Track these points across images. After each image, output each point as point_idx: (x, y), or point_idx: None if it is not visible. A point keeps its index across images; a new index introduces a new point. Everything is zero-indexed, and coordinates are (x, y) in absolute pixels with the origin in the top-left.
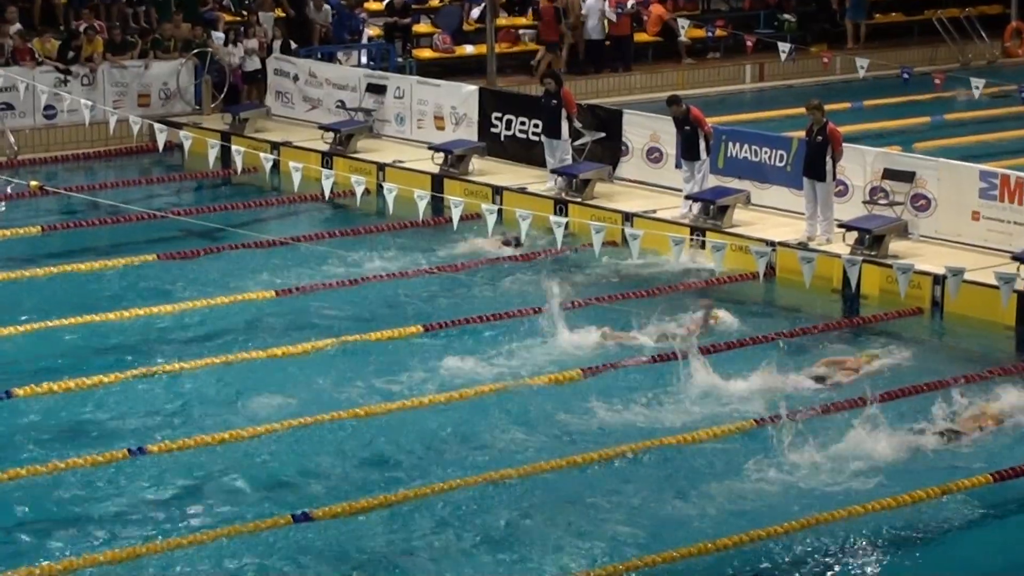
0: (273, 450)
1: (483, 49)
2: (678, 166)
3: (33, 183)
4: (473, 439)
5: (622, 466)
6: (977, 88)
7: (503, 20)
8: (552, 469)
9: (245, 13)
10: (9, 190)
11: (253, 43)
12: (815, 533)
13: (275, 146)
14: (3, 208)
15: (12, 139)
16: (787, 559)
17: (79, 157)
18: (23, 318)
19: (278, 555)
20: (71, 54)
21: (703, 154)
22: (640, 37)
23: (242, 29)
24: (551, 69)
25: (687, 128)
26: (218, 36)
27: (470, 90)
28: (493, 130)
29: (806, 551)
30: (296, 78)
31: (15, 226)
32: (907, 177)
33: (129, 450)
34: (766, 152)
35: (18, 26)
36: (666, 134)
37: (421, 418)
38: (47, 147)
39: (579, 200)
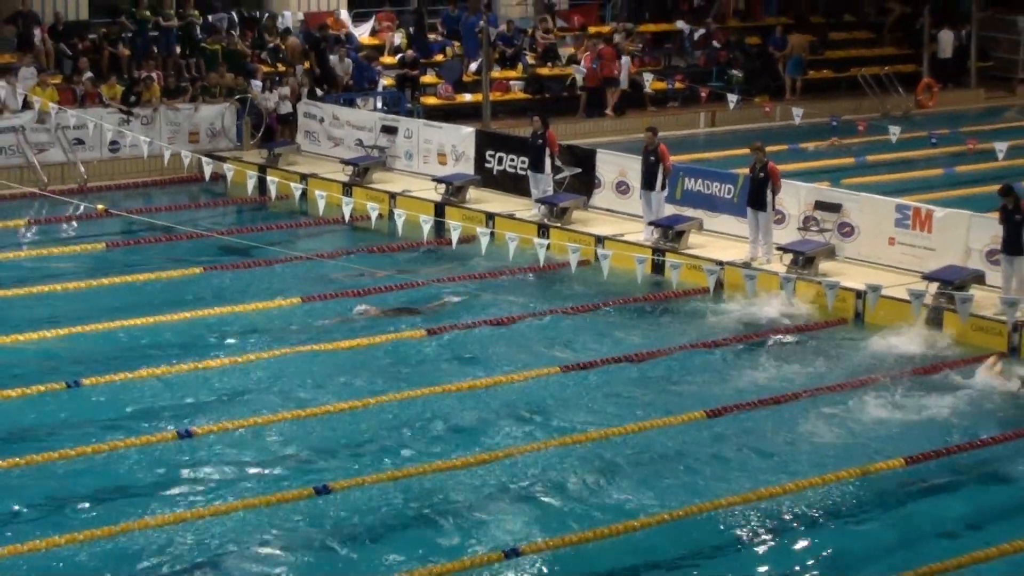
0: (296, 432)
1: (479, 97)
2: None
3: (99, 207)
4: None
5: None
6: (894, 134)
7: (496, 73)
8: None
9: (279, 65)
10: (80, 212)
11: (286, 90)
12: None
13: (304, 177)
14: (75, 227)
15: (83, 169)
16: None
17: (138, 185)
18: (90, 320)
19: (303, 524)
20: (133, 98)
21: (658, 185)
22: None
23: (277, 79)
24: (541, 112)
25: (652, 159)
26: (256, 84)
27: (468, 131)
28: (487, 165)
29: None
30: (322, 120)
31: (84, 243)
32: (835, 208)
33: (178, 432)
34: (716, 186)
35: (89, 74)
36: (632, 171)
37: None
38: (111, 176)
39: (559, 225)
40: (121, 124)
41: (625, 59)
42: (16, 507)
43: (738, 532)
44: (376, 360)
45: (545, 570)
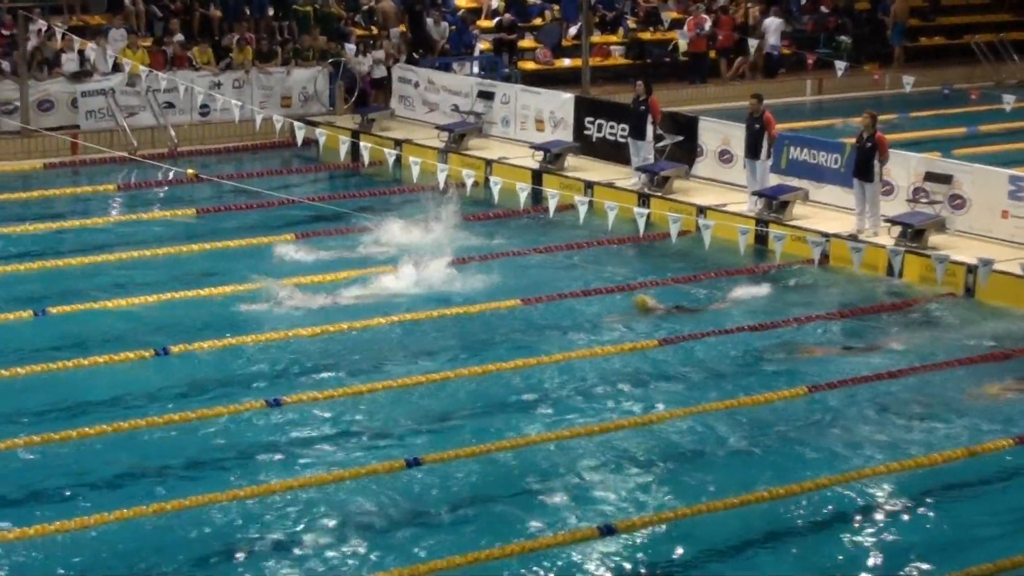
0: (387, 403)
1: (579, 62)
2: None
3: (190, 171)
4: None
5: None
6: (1008, 103)
7: (596, 38)
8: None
9: (373, 28)
10: (170, 177)
11: (380, 54)
12: None
13: (398, 143)
14: (165, 192)
15: (173, 133)
16: None
17: (229, 150)
18: (180, 287)
19: (393, 496)
20: (224, 61)
21: (763, 154)
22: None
23: (371, 42)
24: (644, 77)
25: (756, 127)
26: (350, 47)
27: (567, 97)
28: (586, 132)
29: None
30: (417, 85)
31: (174, 208)
32: (945, 179)
33: (267, 401)
34: (823, 155)
35: (180, 36)
36: (736, 139)
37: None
38: (202, 140)
39: (659, 194)
40: (212, 88)
41: (771, 20)
42: (103, 475)
43: (839, 511)
44: (468, 330)
45: (640, 548)
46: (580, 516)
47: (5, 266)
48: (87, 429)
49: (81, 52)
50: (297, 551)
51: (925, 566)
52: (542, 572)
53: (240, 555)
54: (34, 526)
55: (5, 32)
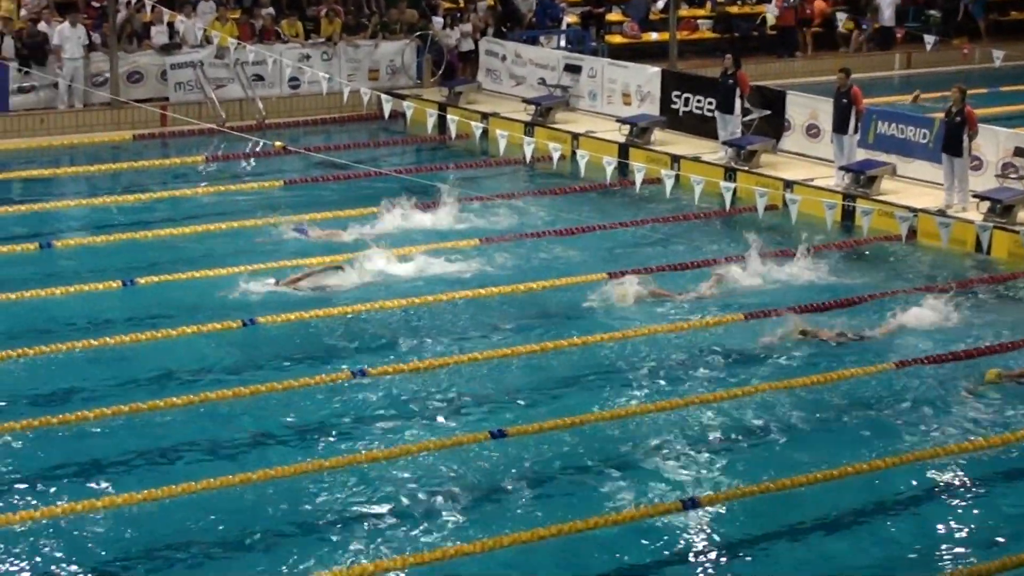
0: (472, 375)
1: (666, 36)
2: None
3: (278, 144)
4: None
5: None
6: None
7: (684, 11)
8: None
9: (461, 1)
10: (258, 149)
11: (467, 27)
12: None
13: (485, 116)
14: (252, 164)
15: (261, 105)
16: None
17: (317, 122)
18: (268, 258)
19: (477, 468)
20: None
21: (850, 128)
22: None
23: (458, 15)
24: (733, 51)
25: (844, 101)
26: (438, 21)
27: (654, 71)
28: (673, 106)
29: None
30: (504, 58)
31: (262, 180)
32: None
33: (352, 372)
34: (911, 130)
35: (269, 9)
36: (824, 113)
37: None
38: (290, 113)
39: (746, 168)
40: (300, 60)
41: None
42: (187, 447)
43: (928, 486)
44: (556, 304)
45: (723, 522)
46: (663, 490)
47: (95, 237)
48: (174, 399)
49: (170, 24)
50: (381, 521)
51: (1006, 546)
52: (625, 545)
53: (326, 525)
54: (122, 495)
55: (95, 4)
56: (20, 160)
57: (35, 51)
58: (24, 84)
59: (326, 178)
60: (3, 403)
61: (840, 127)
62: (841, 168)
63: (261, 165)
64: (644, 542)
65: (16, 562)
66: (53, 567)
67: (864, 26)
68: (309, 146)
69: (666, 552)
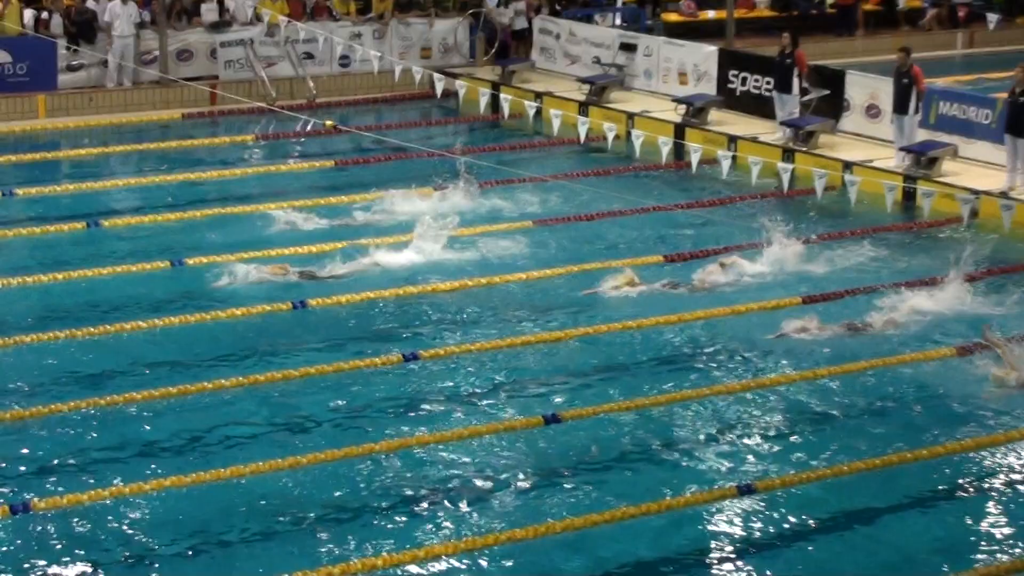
0: (525, 359)
1: (723, 14)
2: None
3: (328, 123)
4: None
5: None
6: None
7: None
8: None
9: None
10: (309, 128)
11: (521, 5)
12: None
13: (538, 95)
14: (303, 144)
15: (312, 84)
16: None
17: (368, 101)
18: (317, 240)
19: (531, 453)
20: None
21: (911, 109)
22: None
23: None
24: (791, 29)
25: (904, 81)
26: None
27: (710, 50)
28: (730, 85)
29: None
30: (558, 36)
31: (313, 160)
32: None
33: (403, 355)
34: (973, 110)
35: None
36: (884, 93)
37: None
38: (341, 92)
39: (804, 149)
40: (352, 38)
41: None
42: (238, 428)
43: (989, 473)
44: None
45: (779, 508)
46: (719, 475)
47: (143, 217)
48: (223, 381)
49: (220, 2)
50: (432, 506)
51: None
52: (680, 531)
53: (375, 510)
54: (170, 477)
55: None
56: (68, 139)
57: (84, 29)
58: (73, 62)
59: (377, 158)
60: (51, 384)
61: (900, 107)
62: (901, 149)
63: (311, 145)
64: (699, 528)
65: (65, 544)
66: (100, 549)
67: (926, 4)
68: (360, 125)
69: (721, 538)
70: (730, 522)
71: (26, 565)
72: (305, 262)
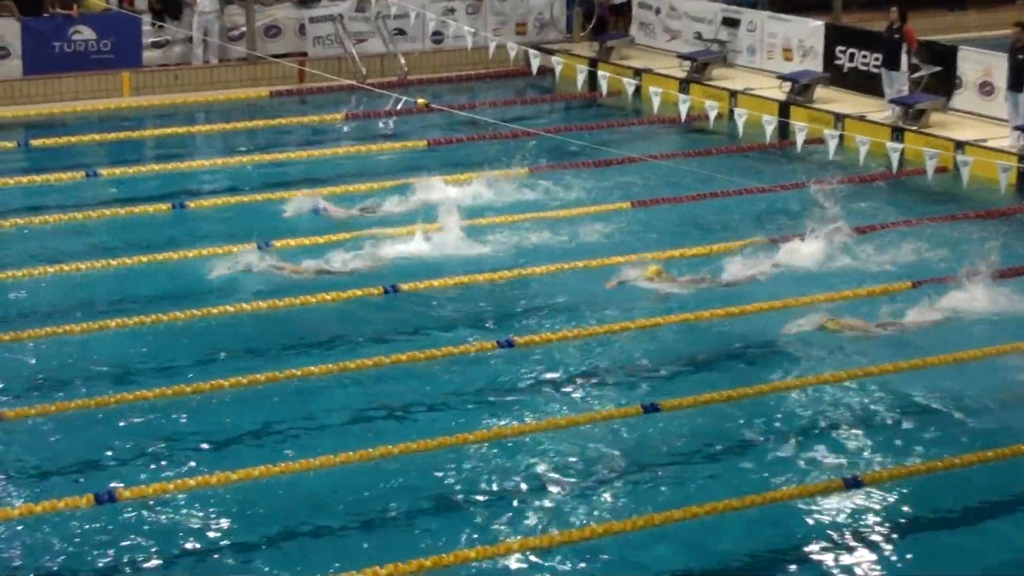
0: (624, 346)
1: None
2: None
3: (420, 101)
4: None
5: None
6: None
7: None
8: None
9: None
10: (400, 106)
11: None
12: None
13: (637, 72)
14: (394, 122)
15: (403, 61)
16: None
17: (461, 78)
18: (409, 221)
19: (629, 442)
20: None
21: None
22: None
23: None
24: (899, 4)
25: (1020, 57)
26: None
27: (817, 25)
28: (837, 62)
29: None
30: (658, 11)
31: (404, 139)
32: None
33: (499, 342)
34: None
35: None
36: (998, 70)
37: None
38: (433, 69)
39: (914, 128)
40: (444, 14)
41: None
42: (329, 416)
43: None
44: (713, 270)
45: (886, 501)
46: (824, 467)
47: (229, 197)
48: (312, 368)
49: None
50: (526, 498)
51: None
52: (783, 524)
53: (468, 501)
54: (258, 467)
55: None
56: (153, 117)
57: (169, 5)
58: (158, 38)
59: (471, 137)
60: (135, 371)
61: (1016, 85)
62: (1016, 128)
63: (403, 123)
64: (804, 521)
65: (150, 533)
66: (185, 539)
67: None
68: (453, 103)
69: (827, 531)
70: (837, 516)
71: (111, 554)
72: (395, 242)
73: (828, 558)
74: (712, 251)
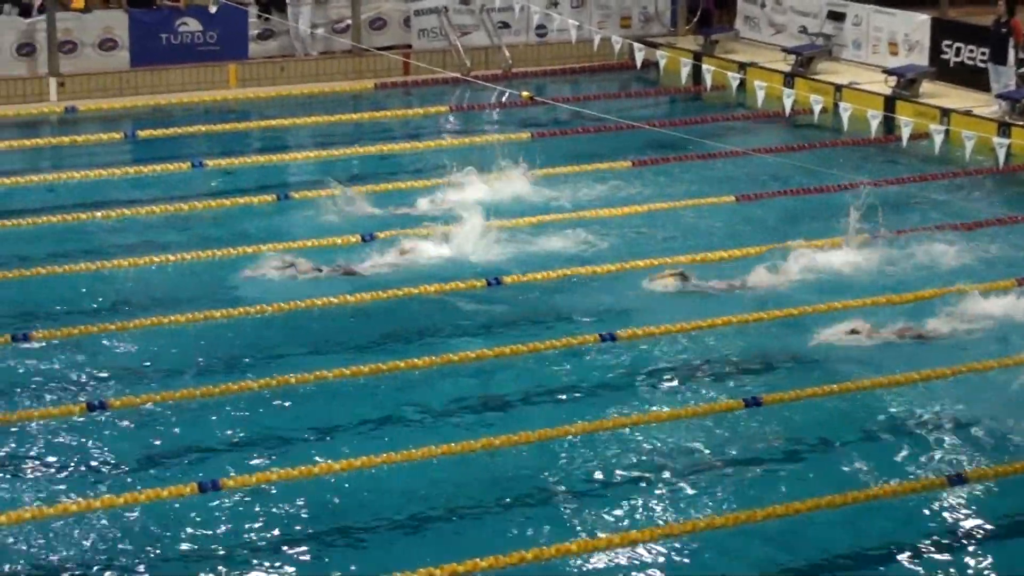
0: (727, 340)
1: None
2: None
3: (524, 94)
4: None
5: None
6: None
7: None
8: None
9: None
10: (504, 99)
11: None
12: None
13: (742, 66)
14: (498, 115)
15: (507, 54)
16: None
17: (565, 71)
18: (516, 214)
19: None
20: None
21: None
22: None
23: None
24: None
25: (1003, 31)
26: None
27: (923, 19)
28: (943, 56)
29: None
30: (763, 4)
31: (508, 132)
32: None
33: (600, 336)
34: None
35: None
36: None
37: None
38: (537, 62)
39: (1021, 123)
40: (549, 7)
41: None
42: (429, 409)
43: None
44: (823, 267)
45: (993, 499)
46: (927, 463)
47: (333, 189)
48: (415, 360)
49: None
50: (628, 490)
51: None
52: (885, 522)
53: (570, 493)
54: (360, 457)
55: None
56: (259, 109)
57: None
58: (264, 30)
59: (575, 130)
60: (239, 361)
61: (997, 57)
62: (999, 97)
63: (506, 116)
64: (908, 518)
65: (254, 522)
66: (290, 528)
67: None
68: (557, 96)
69: (930, 529)
70: (940, 513)
71: (214, 543)
72: (499, 233)
73: (932, 556)
74: (818, 246)
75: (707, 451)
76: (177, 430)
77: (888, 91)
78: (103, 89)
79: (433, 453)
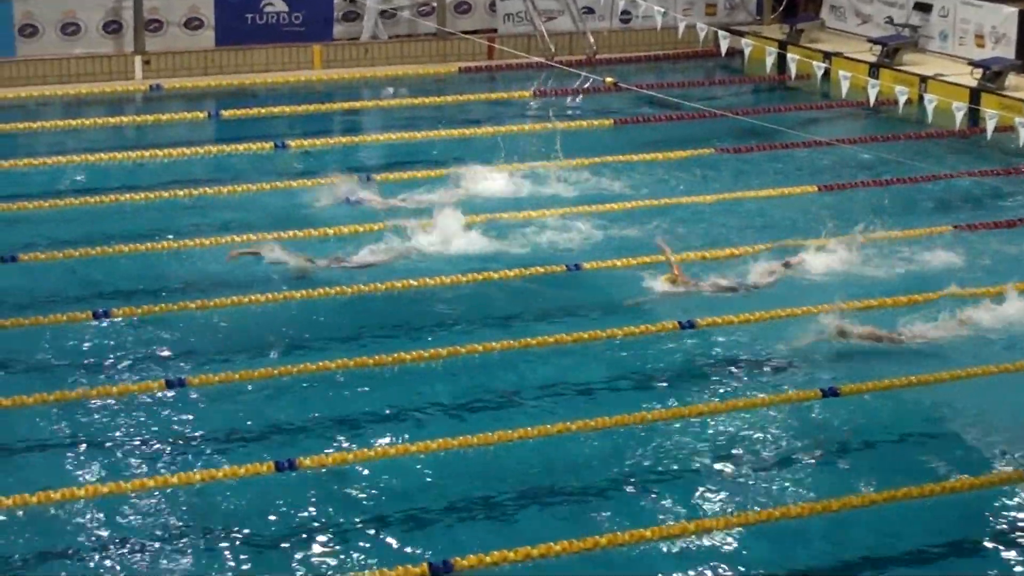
0: (807, 329)
1: None
2: None
3: (608, 80)
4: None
5: None
6: None
7: None
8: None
9: None
10: (587, 85)
11: None
12: None
13: (827, 56)
14: (581, 100)
15: (592, 39)
16: None
17: (649, 58)
18: (594, 201)
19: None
20: None
21: None
22: None
23: None
24: None
25: None
26: None
27: (1011, 11)
28: None
29: None
30: None
31: (591, 118)
32: None
33: (680, 323)
34: None
35: None
36: None
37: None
38: (621, 48)
39: None
40: None
41: None
42: (496, 393)
43: None
44: (891, 256)
45: None
46: (1003, 459)
47: (415, 172)
48: (493, 344)
49: None
50: (702, 478)
51: None
52: (959, 516)
53: (646, 480)
54: (437, 440)
55: None
56: (342, 91)
57: None
58: (348, 12)
59: (658, 118)
60: (317, 342)
61: None
62: None
63: (590, 102)
64: (981, 514)
65: (330, 503)
66: (365, 510)
67: None
68: (641, 83)
69: (1004, 526)
70: (1017, 510)
71: (290, 522)
72: (578, 220)
73: (1013, 551)
74: (892, 237)
75: (786, 440)
76: (255, 409)
77: (973, 83)
78: (188, 68)
79: (510, 437)
